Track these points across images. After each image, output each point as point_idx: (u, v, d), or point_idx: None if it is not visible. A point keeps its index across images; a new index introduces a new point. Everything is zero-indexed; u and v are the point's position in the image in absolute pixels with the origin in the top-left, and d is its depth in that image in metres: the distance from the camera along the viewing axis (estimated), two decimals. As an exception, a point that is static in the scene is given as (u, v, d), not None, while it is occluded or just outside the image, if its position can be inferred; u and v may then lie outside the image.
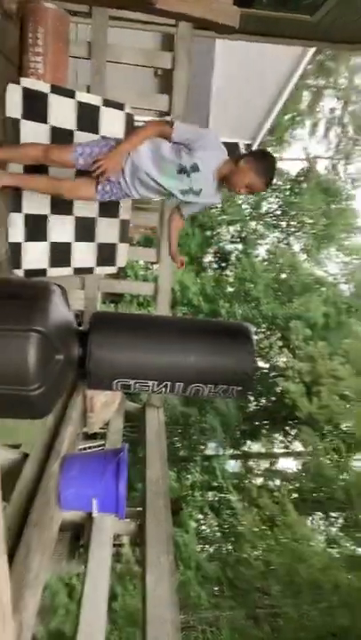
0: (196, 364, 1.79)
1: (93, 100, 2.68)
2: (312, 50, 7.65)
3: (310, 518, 10.40)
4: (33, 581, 1.47)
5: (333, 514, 10.22)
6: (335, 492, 8.45)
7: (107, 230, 2.96)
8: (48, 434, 2.16)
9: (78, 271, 2.95)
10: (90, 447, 5.71)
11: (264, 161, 2.01)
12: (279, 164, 17.62)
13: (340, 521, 10.42)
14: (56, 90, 2.49)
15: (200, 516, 10.23)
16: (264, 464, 14.15)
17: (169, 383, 1.79)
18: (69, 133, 2.60)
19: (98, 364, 1.73)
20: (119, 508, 1.96)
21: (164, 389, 1.79)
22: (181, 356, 1.80)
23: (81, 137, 2.65)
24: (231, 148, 8.39)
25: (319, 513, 10.44)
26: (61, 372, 1.57)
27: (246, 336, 1.87)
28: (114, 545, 2.07)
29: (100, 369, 1.75)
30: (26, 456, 2.05)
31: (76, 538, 2.25)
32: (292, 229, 17.81)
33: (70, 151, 2.06)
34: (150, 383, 1.78)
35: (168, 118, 2.89)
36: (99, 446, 5.72)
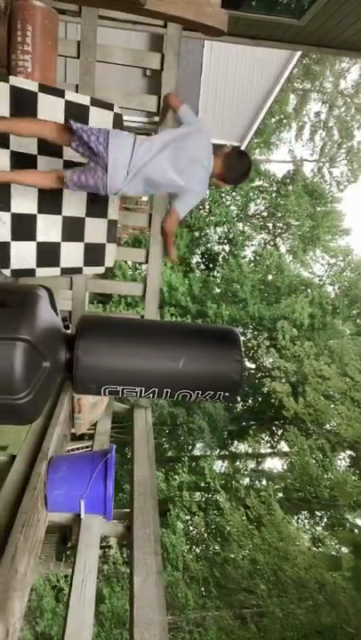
0: (184, 370, 1.77)
1: (82, 99, 2.67)
2: (299, 53, 7.74)
3: (296, 517, 10.48)
4: (20, 584, 1.45)
5: (318, 513, 10.31)
6: (320, 491, 8.54)
7: (95, 230, 2.94)
8: (35, 435, 2.14)
9: (66, 271, 2.93)
10: (77, 448, 5.68)
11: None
12: (266, 166, 17.75)
13: (325, 520, 10.53)
14: (45, 89, 2.47)
15: (187, 517, 10.24)
16: (251, 464, 14.23)
17: (156, 389, 1.78)
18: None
19: (85, 370, 1.72)
20: (107, 509, 1.96)
21: (151, 395, 1.78)
22: (169, 362, 1.77)
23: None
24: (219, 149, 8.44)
25: (304, 512, 10.53)
26: (48, 379, 1.55)
27: (234, 342, 1.85)
28: (101, 546, 2.06)
29: (88, 375, 1.74)
30: (13, 458, 2.03)
31: (64, 540, 2.24)
32: (279, 231, 17.95)
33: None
34: (138, 389, 1.77)
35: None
36: (86, 447, 5.69)
